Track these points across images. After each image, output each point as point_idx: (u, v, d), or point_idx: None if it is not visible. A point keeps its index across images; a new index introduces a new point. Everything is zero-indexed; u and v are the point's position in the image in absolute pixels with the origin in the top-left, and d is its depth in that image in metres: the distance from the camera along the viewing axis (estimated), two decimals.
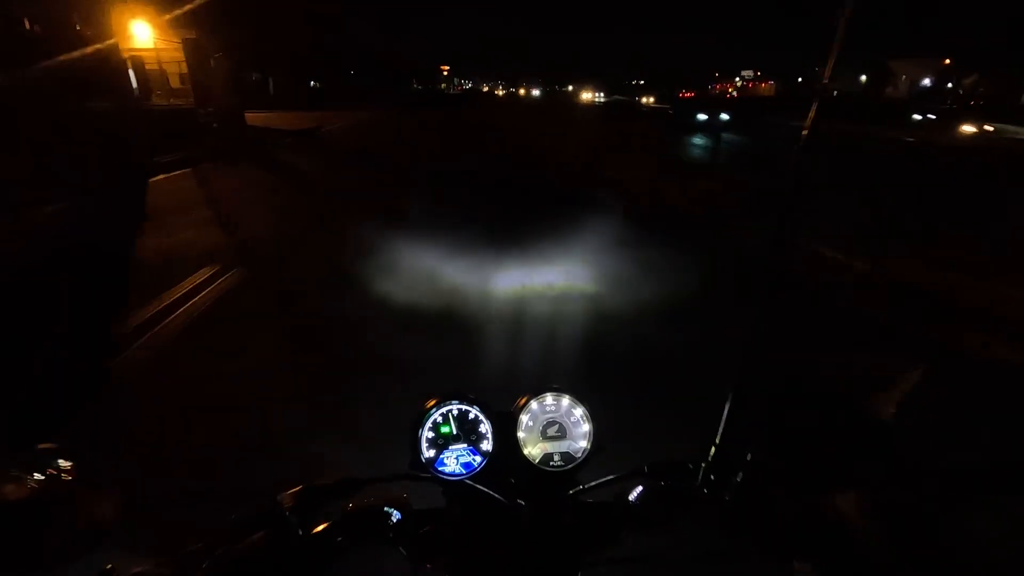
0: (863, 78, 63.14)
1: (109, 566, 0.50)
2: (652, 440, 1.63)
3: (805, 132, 0.53)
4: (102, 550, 0.49)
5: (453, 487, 0.67)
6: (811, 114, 0.53)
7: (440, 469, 0.69)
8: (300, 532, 0.56)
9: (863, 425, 0.60)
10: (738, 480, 0.58)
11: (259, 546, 0.53)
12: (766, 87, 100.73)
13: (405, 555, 0.60)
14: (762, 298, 0.56)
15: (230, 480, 2.00)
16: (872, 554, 0.52)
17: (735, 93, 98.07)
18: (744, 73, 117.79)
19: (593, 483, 0.65)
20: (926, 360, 0.56)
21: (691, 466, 0.62)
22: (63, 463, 0.48)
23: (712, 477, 0.60)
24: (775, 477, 0.58)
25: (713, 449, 0.60)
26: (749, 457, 0.58)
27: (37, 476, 0.47)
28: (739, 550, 0.58)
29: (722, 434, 0.59)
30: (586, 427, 0.73)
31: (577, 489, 0.66)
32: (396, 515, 0.60)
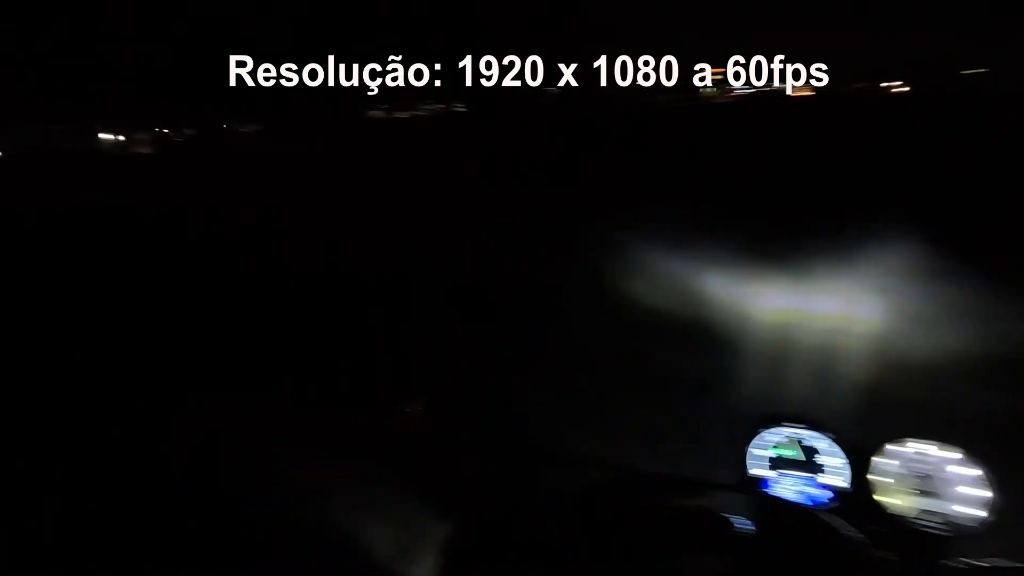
0: None
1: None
2: None
3: None
4: None
5: (790, 513, 0.61)
6: None
7: (775, 491, 0.64)
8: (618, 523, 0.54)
9: None
10: None
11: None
12: None
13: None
14: None
15: None
16: None
17: None
18: None
19: (1002, 564, 0.53)
20: None
21: None
22: None
23: None
24: None
25: None
26: None
27: None
28: None
29: None
30: (976, 492, 0.61)
31: (968, 564, 0.55)
32: (742, 524, 0.55)
